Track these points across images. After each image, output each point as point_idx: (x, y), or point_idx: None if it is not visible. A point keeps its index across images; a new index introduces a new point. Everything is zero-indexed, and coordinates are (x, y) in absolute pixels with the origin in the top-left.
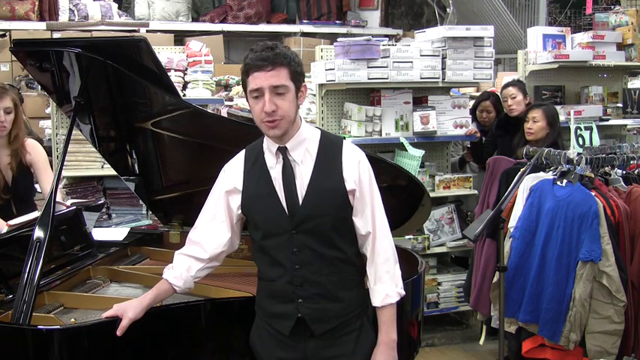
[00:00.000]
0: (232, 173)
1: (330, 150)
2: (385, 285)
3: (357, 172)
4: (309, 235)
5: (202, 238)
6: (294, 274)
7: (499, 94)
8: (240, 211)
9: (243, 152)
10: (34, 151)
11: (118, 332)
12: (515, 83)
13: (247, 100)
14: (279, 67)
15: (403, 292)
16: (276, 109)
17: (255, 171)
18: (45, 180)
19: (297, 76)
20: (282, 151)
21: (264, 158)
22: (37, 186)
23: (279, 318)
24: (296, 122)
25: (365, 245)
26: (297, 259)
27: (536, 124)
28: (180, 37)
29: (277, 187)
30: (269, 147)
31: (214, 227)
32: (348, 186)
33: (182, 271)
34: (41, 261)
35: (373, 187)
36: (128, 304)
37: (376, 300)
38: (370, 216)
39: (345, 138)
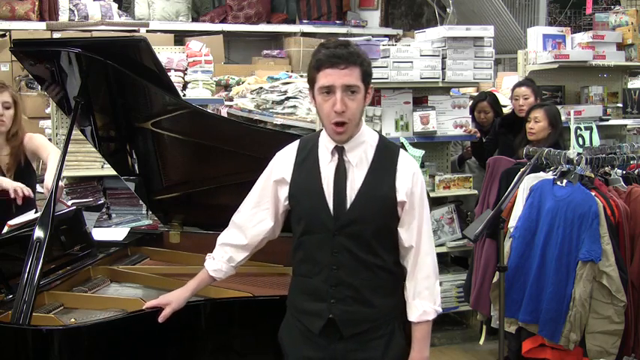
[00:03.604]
0: (283, 163)
1: (386, 157)
2: (424, 301)
3: (410, 184)
4: (350, 238)
5: (245, 222)
6: (330, 275)
7: (508, 91)
8: (287, 202)
9: (296, 143)
10: (32, 140)
11: (160, 319)
12: (530, 84)
13: (313, 97)
14: (352, 66)
15: (440, 310)
16: (346, 110)
17: (306, 165)
18: (46, 156)
19: (367, 77)
20: (339, 150)
21: (317, 153)
22: (37, 186)
23: (310, 315)
24: (359, 123)
25: (407, 258)
26: (335, 260)
27: (537, 124)
28: (180, 37)
29: (325, 185)
30: (326, 143)
31: (258, 213)
32: (399, 197)
33: (222, 263)
34: (41, 261)
35: (424, 202)
36: (173, 296)
37: (413, 315)
38: (416, 230)
39: (403, 146)
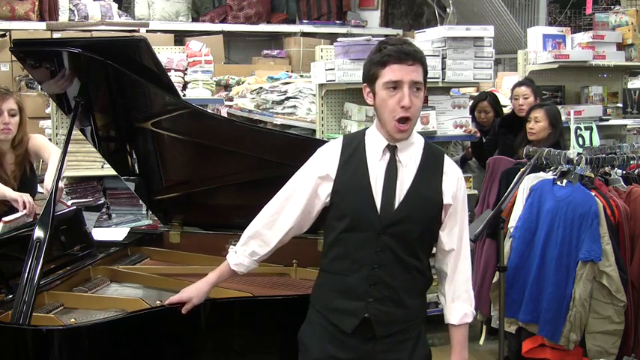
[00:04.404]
0: (328, 159)
1: (433, 160)
2: (464, 304)
3: (455, 188)
4: (394, 238)
5: (273, 216)
6: (371, 273)
7: (508, 91)
8: (328, 200)
9: (340, 140)
10: (33, 141)
11: (183, 311)
12: (529, 84)
13: (372, 92)
14: (418, 63)
15: (475, 312)
16: (411, 106)
17: (353, 162)
18: (47, 157)
19: (426, 77)
20: (391, 149)
21: (364, 151)
22: (38, 186)
23: (344, 314)
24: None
25: (445, 262)
26: (377, 259)
27: (538, 124)
28: (180, 37)
29: (373, 183)
30: (376, 142)
31: (287, 207)
32: (445, 200)
33: (244, 257)
34: (41, 261)
35: (465, 207)
36: (193, 291)
37: (453, 318)
38: (457, 234)
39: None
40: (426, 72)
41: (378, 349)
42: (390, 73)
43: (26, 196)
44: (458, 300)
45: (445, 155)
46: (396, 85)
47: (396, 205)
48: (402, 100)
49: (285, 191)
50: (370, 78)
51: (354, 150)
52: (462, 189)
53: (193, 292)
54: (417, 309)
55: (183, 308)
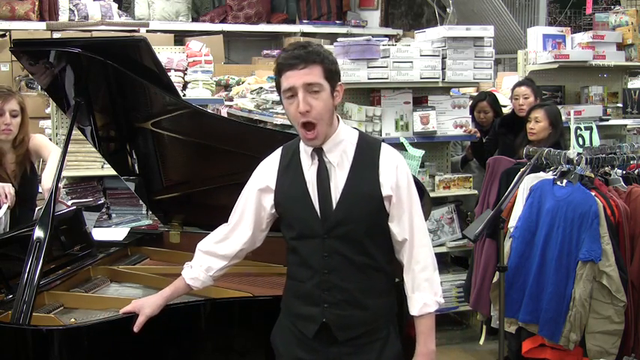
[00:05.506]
0: (267, 171)
1: (367, 153)
2: (423, 293)
3: (394, 178)
4: (340, 240)
5: (227, 233)
6: (322, 279)
7: (508, 91)
8: (274, 210)
9: (279, 150)
10: (33, 140)
11: (135, 328)
12: (530, 84)
13: (282, 103)
14: (312, 65)
15: (442, 301)
16: (310, 109)
17: (290, 171)
18: (47, 156)
19: (332, 75)
20: (318, 152)
21: (299, 158)
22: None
23: (304, 320)
24: (333, 123)
25: (401, 252)
26: (326, 264)
27: (538, 125)
28: (180, 37)
29: (311, 189)
30: (305, 148)
31: (240, 223)
32: (384, 192)
33: (200, 272)
34: (41, 261)
35: (412, 193)
36: (146, 302)
37: (414, 309)
38: (407, 222)
39: (383, 140)
40: (329, 70)
41: (344, 351)
42: (285, 81)
43: (7, 186)
44: (417, 290)
45: (383, 145)
46: (292, 93)
47: (334, 206)
48: (298, 106)
49: (236, 208)
50: (277, 89)
51: (290, 159)
52: (403, 177)
53: (146, 304)
54: (379, 309)
55: (136, 324)
